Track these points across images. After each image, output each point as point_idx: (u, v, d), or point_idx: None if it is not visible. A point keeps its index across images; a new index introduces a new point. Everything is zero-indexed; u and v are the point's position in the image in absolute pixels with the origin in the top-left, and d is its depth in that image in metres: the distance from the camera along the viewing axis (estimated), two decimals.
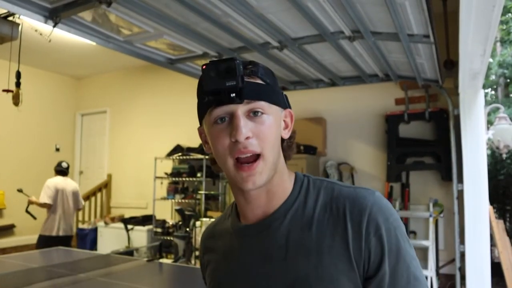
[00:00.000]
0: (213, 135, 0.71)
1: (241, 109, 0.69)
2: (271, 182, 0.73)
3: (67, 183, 4.63)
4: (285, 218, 0.73)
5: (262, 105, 0.70)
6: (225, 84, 0.67)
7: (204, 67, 0.69)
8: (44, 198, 4.38)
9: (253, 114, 0.70)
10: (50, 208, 4.40)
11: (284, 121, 0.77)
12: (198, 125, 0.78)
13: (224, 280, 0.79)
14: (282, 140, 0.77)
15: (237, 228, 0.79)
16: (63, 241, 4.40)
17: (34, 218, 4.51)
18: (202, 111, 0.74)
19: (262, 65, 0.76)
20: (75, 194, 4.66)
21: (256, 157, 0.69)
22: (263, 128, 0.69)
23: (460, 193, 3.81)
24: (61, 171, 4.69)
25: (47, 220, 4.44)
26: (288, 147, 0.79)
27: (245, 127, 0.68)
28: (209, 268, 0.85)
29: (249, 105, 0.69)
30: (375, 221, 0.68)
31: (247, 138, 0.68)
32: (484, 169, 3.61)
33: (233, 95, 0.67)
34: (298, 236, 0.71)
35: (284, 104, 0.77)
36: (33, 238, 5.92)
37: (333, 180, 0.78)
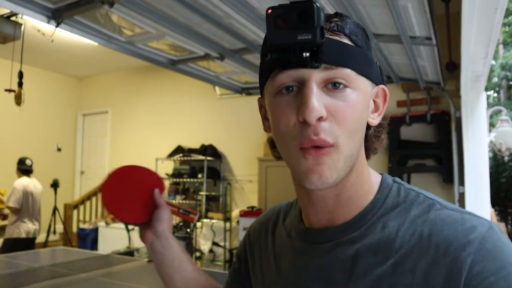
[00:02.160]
0: (274, 110, 0.52)
1: (316, 77, 0.49)
2: (345, 182, 0.54)
3: (35, 185, 4.43)
4: (356, 234, 0.55)
5: (346, 74, 0.50)
6: (296, 38, 0.46)
7: (269, 11, 0.48)
8: (11, 201, 4.16)
9: (332, 86, 0.50)
10: (16, 211, 4.19)
11: (374, 101, 0.57)
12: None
13: (269, 285, 0.65)
14: (368, 126, 0.57)
15: (296, 229, 0.63)
16: (29, 243, 4.23)
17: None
18: (264, 76, 0.55)
19: (353, 20, 0.55)
20: (39, 195, 4.49)
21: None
22: (344, 107, 0.50)
23: (462, 196, 3.80)
24: (27, 170, 4.41)
25: (14, 223, 4.21)
26: (376, 137, 0.59)
27: (319, 102, 0.48)
28: (254, 258, 0.71)
29: (329, 72, 0.49)
30: (483, 266, 0.46)
31: (320, 119, 0.49)
32: (486, 171, 3.60)
33: (306, 54, 0.47)
34: (368, 262, 0.52)
35: (377, 78, 0.56)
36: None
37: (433, 196, 0.55)
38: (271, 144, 0.60)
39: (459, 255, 0.47)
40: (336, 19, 0.53)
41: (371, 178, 0.58)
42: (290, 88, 0.51)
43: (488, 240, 0.47)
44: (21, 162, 4.43)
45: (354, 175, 0.55)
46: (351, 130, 0.51)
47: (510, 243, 0.49)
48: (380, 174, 0.60)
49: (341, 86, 0.50)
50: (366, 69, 0.53)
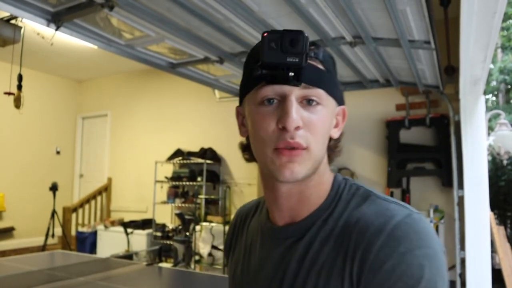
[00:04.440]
0: (256, 117, 0.61)
1: (295, 93, 0.59)
2: (308, 182, 0.64)
3: None
4: (310, 228, 0.64)
5: (319, 93, 0.61)
6: (286, 59, 0.56)
7: (265, 34, 0.57)
8: None
9: (307, 102, 0.60)
10: None
11: (336, 118, 0.69)
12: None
13: (241, 279, 0.74)
14: (329, 139, 0.68)
15: (264, 227, 0.72)
16: None
17: None
18: (248, 87, 0.64)
19: (325, 49, 0.66)
20: None
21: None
22: (315, 120, 0.60)
23: (461, 199, 3.80)
24: None
25: None
26: (334, 148, 0.70)
27: (297, 114, 0.58)
28: (233, 254, 0.80)
29: (306, 90, 0.60)
30: (385, 252, 0.54)
31: (297, 128, 0.58)
32: (485, 175, 3.60)
33: (291, 74, 0.57)
34: (316, 250, 0.62)
35: (340, 99, 0.68)
36: (32, 241, 5.93)
37: (372, 189, 0.65)
38: (243, 148, 0.71)
39: (372, 241, 0.55)
40: (313, 47, 0.63)
41: (328, 179, 0.68)
42: (271, 101, 0.60)
43: (399, 228, 0.55)
44: None
45: (317, 176, 0.65)
46: (320, 139, 0.62)
47: (423, 231, 0.55)
48: (334, 175, 0.70)
49: (314, 103, 0.61)
50: (333, 91, 0.64)
